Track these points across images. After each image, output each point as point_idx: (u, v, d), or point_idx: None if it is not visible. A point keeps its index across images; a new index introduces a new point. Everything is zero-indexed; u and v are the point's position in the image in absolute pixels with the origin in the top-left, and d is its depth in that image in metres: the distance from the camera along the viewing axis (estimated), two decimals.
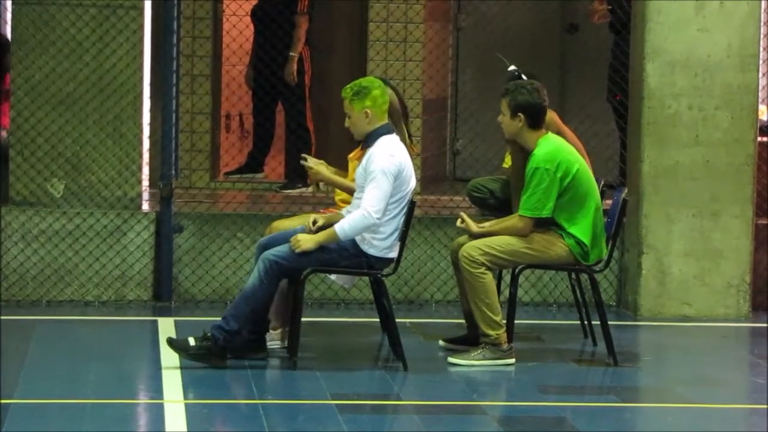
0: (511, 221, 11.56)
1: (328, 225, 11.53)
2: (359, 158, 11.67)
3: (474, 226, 11.53)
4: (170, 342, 11.55)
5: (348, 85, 11.64)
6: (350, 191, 12.00)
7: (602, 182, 12.33)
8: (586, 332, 12.25)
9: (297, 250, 11.23)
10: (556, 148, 11.60)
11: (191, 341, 11.43)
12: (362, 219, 11.08)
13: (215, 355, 11.31)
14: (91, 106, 14.13)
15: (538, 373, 11.52)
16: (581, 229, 11.47)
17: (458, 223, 11.66)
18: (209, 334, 11.31)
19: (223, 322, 11.31)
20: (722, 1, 13.67)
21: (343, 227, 11.12)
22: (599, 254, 11.74)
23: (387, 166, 11.13)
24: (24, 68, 14.31)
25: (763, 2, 14.08)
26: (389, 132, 11.43)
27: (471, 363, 11.47)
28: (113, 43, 14.18)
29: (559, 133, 12.13)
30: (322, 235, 11.20)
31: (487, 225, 11.64)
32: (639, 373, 12.04)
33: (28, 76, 14.27)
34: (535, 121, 11.61)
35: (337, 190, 12.82)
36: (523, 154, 12.11)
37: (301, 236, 11.21)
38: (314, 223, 11.56)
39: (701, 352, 13.01)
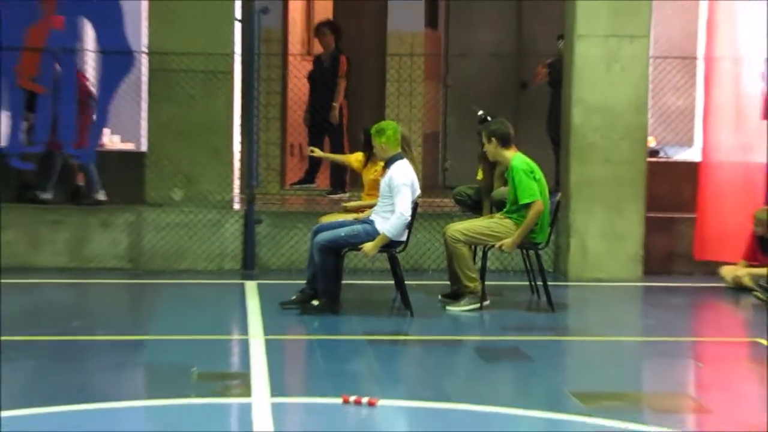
0: (529, 214, 11.41)
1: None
2: (382, 174, 11.72)
3: (511, 243, 11.54)
4: (285, 303, 11.63)
5: (373, 126, 11.72)
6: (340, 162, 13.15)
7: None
8: (533, 290, 12.26)
9: (367, 257, 11.47)
10: (526, 159, 11.68)
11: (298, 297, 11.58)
12: (399, 219, 11.13)
13: (318, 307, 11.37)
14: (200, 139, 14.17)
15: (500, 318, 11.61)
16: None
17: (497, 246, 11.64)
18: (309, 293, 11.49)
19: (319, 284, 11.41)
20: (623, 67, 13.73)
21: (389, 230, 11.15)
22: (544, 237, 11.83)
23: (405, 180, 11.19)
24: (156, 113, 14.36)
25: (650, 67, 14.07)
26: (401, 158, 11.47)
27: (461, 309, 11.57)
28: (214, 96, 14.21)
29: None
30: (378, 241, 11.24)
31: (514, 237, 11.55)
32: (568, 317, 12.13)
33: (158, 118, 14.32)
34: (505, 141, 11.69)
35: (363, 195, 12.93)
36: (490, 170, 12.26)
37: (365, 246, 11.29)
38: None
39: (610, 303, 13.13)
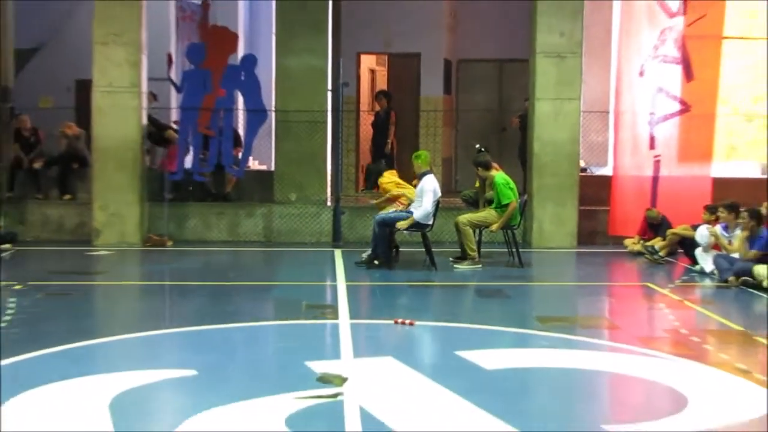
0: (507, 210, 11.64)
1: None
2: (415, 185, 11.80)
3: (497, 227, 11.71)
4: (358, 262, 11.70)
5: (414, 153, 11.80)
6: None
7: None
8: (510, 254, 12.22)
9: (402, 228, 11.46)
10: (504, 175, 11.86)
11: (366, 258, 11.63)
12: (424, 210, 11.26)
13: (378, 265, 11.43)
14: (306, 162, 14.26)
15: (490, 272, 11.67)
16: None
17: (490, 228, 11.81)
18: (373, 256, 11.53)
19: (379, 249, 11.44)
20: (564, 117, 13.74)
21: (417, 216, 11.30)
22: (517, 222, 11.93)
23: (429, 187, 11.31)
24: (280, 147, 14.44)
25: (581, 117, 14.04)
26: (429, 173, 11.56)
27: (465, 267, 11.63)
28: (315, 136, 14.28)
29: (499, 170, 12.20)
30: (408, 221, 11.31)
31: (498, 223, 11.73)
32: (533, 271, 12.19)
33: (281, 150, 14.41)
34: (486, 167, 11.85)
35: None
36: (483, 181, 12.31)
37: (399, 223, 11.35)
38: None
39: (557, 262, 13.11)
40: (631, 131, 13.90)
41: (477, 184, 12.69)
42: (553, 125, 13.82)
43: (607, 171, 15.44)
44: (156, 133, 14.87)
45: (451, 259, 11.94)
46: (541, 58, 13.81)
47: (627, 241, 13.45)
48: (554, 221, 13.86)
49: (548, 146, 13.86)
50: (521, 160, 15.07)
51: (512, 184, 11.92)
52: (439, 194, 11.65)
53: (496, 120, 17.56)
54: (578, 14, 13.83)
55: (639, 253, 12.80)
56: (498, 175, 11.92)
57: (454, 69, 17.87)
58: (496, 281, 11.01)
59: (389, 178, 12.39)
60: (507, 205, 11.67)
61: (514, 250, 12.02)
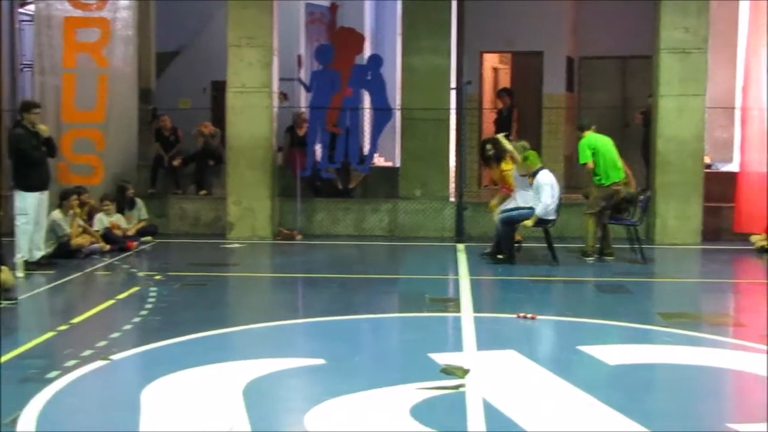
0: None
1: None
2: (530, 183, 11.48)
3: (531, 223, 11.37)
4: (482, 254, 11.72)
5: (522, 156, 11.57)
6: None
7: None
8: (633, 250, 11.93)
9: (529, 226, 11.32)
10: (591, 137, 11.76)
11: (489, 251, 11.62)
12: (544, 206, 11.17)
13: (501, 259, 11.37)
14: (430, 159, 14.24)
15: (613, 266, 11.41)
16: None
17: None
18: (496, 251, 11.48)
19: (503, 246, 11.37)
20: (689, 113, 13.30)
21: (539, 211, 11.14)
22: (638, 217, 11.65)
23: (546, 182, 11.29)
24: (405, 144, 14.49)
25: (706, 113, 13.61)
26: (543, 169, 11.45)
27: (588, 259, 11.41)
28: (439, 134, 14.28)
29: None
30: (533, 219, 11.16)
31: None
32: (655, 267, 11.80)
33: (406, 147, 14.44)
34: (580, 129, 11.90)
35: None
36: None
37: (526, 222, 11.24)
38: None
39: (681, 258, 12.65)
40: (758, 127, 13.41)
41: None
42: (678, 122, 13.43)
43: (732, 167, 14.92)
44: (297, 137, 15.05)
45: (590, 256, 11.77)
46: (665, 54, 13.43)
47: (754, 237, 12.95)
48: (678, 218, 13.46)
49: (672, 143, 13.47)
50: (644, 157, 14.70)
51: (594, 146, 11.68)
52: (558, 188, 11.46)
53: (618, 117, 17.16)
54: (704, 10, 13.39)
55: (766, 250, 12.34)
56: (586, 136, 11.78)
57: (577, 66, 17.58)
58: (618, 277, 10.76)
59: (510, 167, 12.22)
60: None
61: (636, 246, 11.75)
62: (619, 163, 11.82)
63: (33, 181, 10.78)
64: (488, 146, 12.61)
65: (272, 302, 9.76)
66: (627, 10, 16.47)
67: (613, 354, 6.92)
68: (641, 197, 12.05)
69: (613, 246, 11.94)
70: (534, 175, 11.36)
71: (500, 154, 12.24)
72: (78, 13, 13.78)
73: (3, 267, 9.35)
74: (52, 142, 11.24)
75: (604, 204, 11.73)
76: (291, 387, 6.23)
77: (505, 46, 17.21)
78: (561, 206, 11.61)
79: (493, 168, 12.60)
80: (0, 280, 8.99)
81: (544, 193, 11.19)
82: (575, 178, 17.27)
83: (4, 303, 8.64)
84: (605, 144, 11.77)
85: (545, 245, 11.57)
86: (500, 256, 11.39)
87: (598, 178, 11.69)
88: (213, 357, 6.76)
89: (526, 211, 11.36)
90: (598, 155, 11.65)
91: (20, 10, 17.03)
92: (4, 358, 6.72)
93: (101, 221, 12.64)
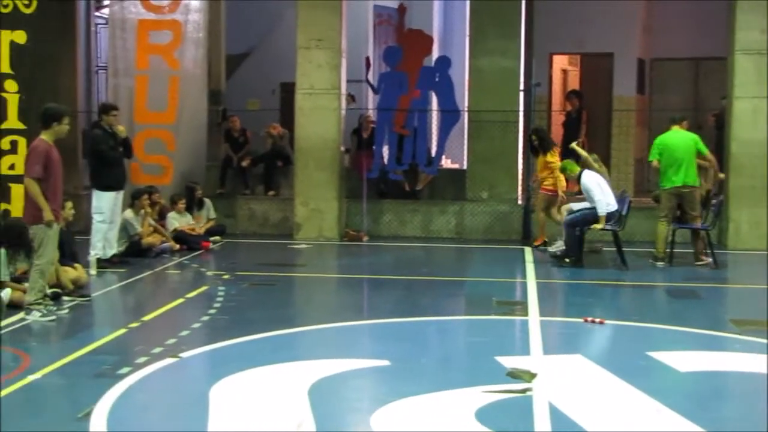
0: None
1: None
2: (578, 191, 11.65)
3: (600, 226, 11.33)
4: (552, 254, 11.84)
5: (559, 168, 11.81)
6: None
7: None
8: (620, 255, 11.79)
9: (599, 229, 11.24)
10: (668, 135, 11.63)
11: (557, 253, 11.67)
12: (600, 204, 11.18)
13: (567, 262, 11.30)
14: (498, 161, 14.18)
15: (684, 272, 11.22)
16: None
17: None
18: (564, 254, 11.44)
19: (570, 250, 11.32)
20: (765, 114, 13.02)
21: (601, 210, 11.08)
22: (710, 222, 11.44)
23: (591, 183, 11.26)
24: (472, 146, 14.44)
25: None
26: (582, 171, 11.49)
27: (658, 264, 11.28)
28: (507, 136, 14.17)
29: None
30: (602, 219, 11.10)
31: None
32: (728, 272, 11.62)
33: (474, 149, 14.39)
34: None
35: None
36: None
37: (595, 226, 11.15)
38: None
39: (753, 264, 12.36)
40: None
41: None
42: (752, 124, 13.14)
43: None
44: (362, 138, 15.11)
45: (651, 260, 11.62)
46: (740, 55, 13.18)
47: None
48: (752, 223, 13.17)
49: (746, 146, 13.19)
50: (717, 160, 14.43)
51: (663, 145, 11.51)
52: (607, 184, 11.43)
53: (691, 119, 16.83)
54: None
55: None
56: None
57: (648, 68, 17.34)
58: (688, 282, 10.56)
59: (556, 158, 12.40)
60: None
61: (708, 251, 11.54)
62: (690, 167, 11.51)
63: (109, 181, 11.03)
64: (534, 137, 12.93)
65: (339, 303, 9.82)
66: (700, 10, 16.18)
67: (684, 360, 6.82)
68: (714, 201, 11.83)
69: (684, 251, 11.72)
70: (577, 181, 11.43)
71: (546, 146, 12.69)
72: (151, 15, 14.01)
73: (77, 264, 9.61)
74: (129, 143, 11.54)
75: (668, 206, 11.55)
76: (356, 387, 6.27)
77: (575, 47, 17.05)
78: (629, 207, 11.48)
79: (539, 158, 12.80)
80: (74, 277, 9.23)
81: (593, 192, 11.17)
82: (646, 182, 17.06)
83: (78, 300, 8.85)
84: (678, 144, 11.49)
85: (614, 249, 11.43)
86: (568, 260, 11.30)
87: (661, 179, 11.52)
88: (280, 356, 6.84)
89: (590, 211, 11.27)
90: (663, 156, 11.45)
91: (96, 13, 17.42)
92: (79, 353, 6.90)
93: (172, 222, 12.83)
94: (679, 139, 11.53)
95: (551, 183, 12.52)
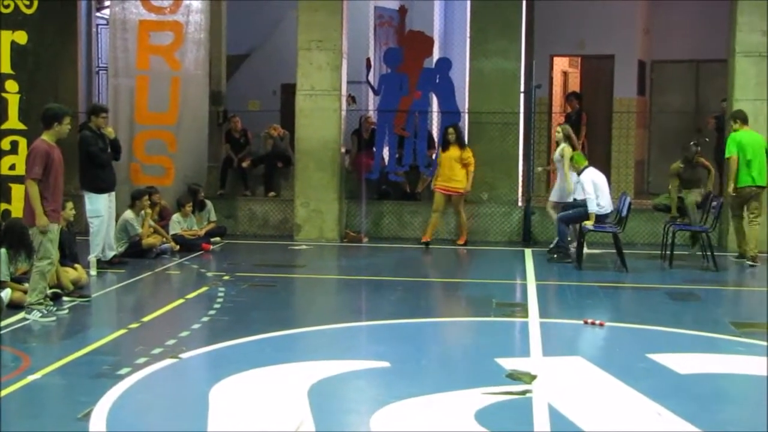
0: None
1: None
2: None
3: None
4: (549, 250, 11.98)
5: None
6: None
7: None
8: (704, 257, 11.71)
9: (589, 227, 11.28)
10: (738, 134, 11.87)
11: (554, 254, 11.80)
12: (591, 201, 11.19)
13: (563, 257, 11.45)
14: (498, 163, 14.11)
15: (684, 273, 11.22)
16: None
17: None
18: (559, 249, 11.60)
19: (560, 244, 11.48)
20: (766, 116, 12.99)
21: (591, 208, 11.24)
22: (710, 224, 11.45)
23: (585, 179, 11.51)
24: (475, 148, 14.42)
25: None
26: (587, 167, 11.59)
27: None
28: (507, 138, 14.13)
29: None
30: (591, 216, 11.16)
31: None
32: (727, 275, 11.55)
33: (477, 150, 14.40)
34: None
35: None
36: (677, 186, 11.89)
37: (586, 223, 11.20)
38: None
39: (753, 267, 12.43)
40: None
41: (670, 189, 12.35)
42: (752, 127, 13.00)
43: None
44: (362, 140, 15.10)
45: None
46: (740, 57, 13.16)
47: None
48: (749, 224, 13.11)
49: (746, 148, 13.11)
50: (717, 162, 14.41)
51: (739, 143, 11.66)
52: (604, 186, 11.52)
53: (691, 121, 16.89)
54: None
55: None
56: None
57: (648, 70, 17.34)
58: (688, 284, 10.56)
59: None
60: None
61: (708, 253, 11.53)
62: (763, 167, 11.77)
63: (102, 183, 11.00)
64: (450, 130, 13.32)
65: (338, 304, 9.81)
66: (701, 12, 16.20)
67: (684, 363, 6.80)
68: (714, 203, 11.83)
69: (684, 252, 11.71)
70: (580, 173, 11.59)
71: (462, 142, 13.36)
72: (152, 16, 13.98)
73: (76, 265, 9.61)
74: (118, 145, 11.42)
75: (736, 205, 11.84)
76: (356, 388, 6.26)
77: (576, 49, 17.04)
78: (630, 208, 11.49)
79: (448, 152, 13.19)
80: (73, 278, 9.23)
81: (585, 187, 11.38)
82: (646, 184, 17.06)
83: (78, 300, 8.85)
84: (751, 143, 11.74)
85: (614, 251, 11.43)
86: (555, 256, 11.59)
87: (737, 178, 11.76)
88: (280, 357, 6.84)
89: (582, 209, 11.39)
90: (739, 155, 11.68)
91: (97, 13, 17.39)
92: (79, 353, 6.89)
93: (174, 226, 12.84)
94: (752, 138, 11.73)
95: (461, 182, 12.99)
